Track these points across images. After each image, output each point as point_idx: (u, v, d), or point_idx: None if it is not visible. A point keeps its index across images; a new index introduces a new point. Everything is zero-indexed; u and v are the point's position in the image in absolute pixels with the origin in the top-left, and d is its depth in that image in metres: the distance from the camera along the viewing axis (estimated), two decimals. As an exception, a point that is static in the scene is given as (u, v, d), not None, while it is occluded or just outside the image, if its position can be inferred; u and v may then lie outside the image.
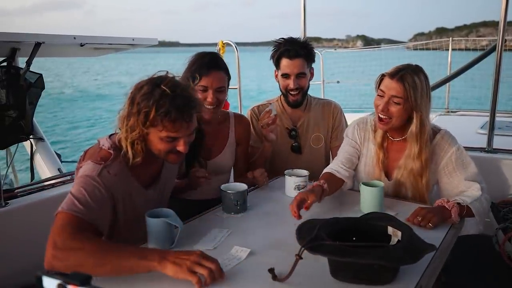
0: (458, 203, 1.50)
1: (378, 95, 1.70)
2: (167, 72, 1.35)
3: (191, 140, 1.39)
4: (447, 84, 4.77)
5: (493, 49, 3.35)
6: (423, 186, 1.72)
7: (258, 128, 2.12)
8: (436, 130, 1.75)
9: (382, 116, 1.68)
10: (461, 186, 1.65)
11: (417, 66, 1.69)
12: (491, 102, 2.64)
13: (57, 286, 0.50)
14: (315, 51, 2.21)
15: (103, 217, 1.27)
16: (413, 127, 1.66)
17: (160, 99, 1.26)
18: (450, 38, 5.69)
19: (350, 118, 2.24)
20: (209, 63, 1.79)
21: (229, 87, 1.95)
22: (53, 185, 2.10)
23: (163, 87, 1.28)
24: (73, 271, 1.02)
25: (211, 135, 1.91)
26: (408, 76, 1.62)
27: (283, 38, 2.11)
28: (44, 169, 2.85)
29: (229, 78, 1.89)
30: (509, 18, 2.53)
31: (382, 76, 1.69)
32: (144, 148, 1.34)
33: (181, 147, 1.35)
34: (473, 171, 1.66)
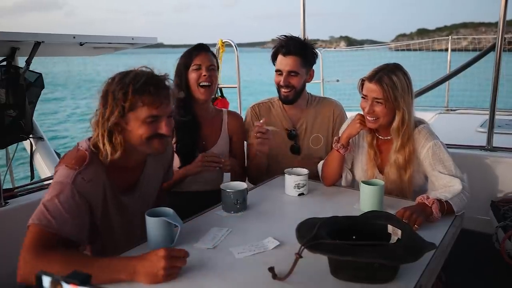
0: (439, 199, 1.51)
1: (362, 98, 1.75)
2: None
3: (171, 125, 1.35)
4: (447, 82, 4.77)
5: (491, 48, 3.34)
6: (406, 179, 1.74)
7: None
8: (416, 124, 1.77)
9: (369, 118, 1.73)
10: (442, 180, 1.67)
11: (395, 65, 1.72)
12: (491, 101, 2.64)
13: (51, 284, 0.50)
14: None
15: (79, 227, 1.22)
16: (395, 123, 1.71)
17: (135, 77, 1.26)
18: (450, 37, 5.68)
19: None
20: (198, 46, 2.03)
21: (228, 85, 1.97)
22: (52, 185, 2.09)
23: (136, 69, 1.30)
24: None
25: (205, 127, 2.07)
26: (386, 77, 1.66)
27: (284, 35, 2.10)
28: (44, 169, 2.85)
29: (217, 65, 2.10)
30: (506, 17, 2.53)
31: (362, 81, 1.74)
32: (123, 141, 1.28)
33: (163, 128, 1.30)
34: (450, 167, 1.68)
